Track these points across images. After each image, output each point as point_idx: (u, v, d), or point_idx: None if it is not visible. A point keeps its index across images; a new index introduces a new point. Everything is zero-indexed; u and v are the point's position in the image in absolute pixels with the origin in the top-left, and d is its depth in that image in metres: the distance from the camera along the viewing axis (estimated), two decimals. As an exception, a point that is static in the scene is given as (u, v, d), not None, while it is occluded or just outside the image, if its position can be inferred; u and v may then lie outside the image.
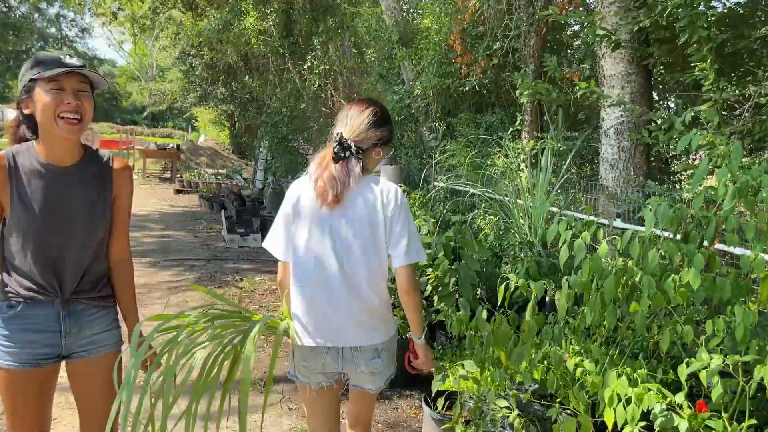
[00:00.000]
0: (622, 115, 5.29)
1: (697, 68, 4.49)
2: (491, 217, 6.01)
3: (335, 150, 2.27)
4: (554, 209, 5.88)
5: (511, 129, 6.90)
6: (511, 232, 5.94)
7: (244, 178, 18.82)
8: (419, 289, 2.53)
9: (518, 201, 5.96)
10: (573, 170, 6.18)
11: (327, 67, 12.52)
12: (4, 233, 2.05)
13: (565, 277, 2.82)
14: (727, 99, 4.54)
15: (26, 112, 2.02)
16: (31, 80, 1.96)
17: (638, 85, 5.24)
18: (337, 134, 2.30)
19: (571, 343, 3.23)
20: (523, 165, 6.80)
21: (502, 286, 3.01)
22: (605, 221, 4.03)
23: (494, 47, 6.63)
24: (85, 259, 2.13)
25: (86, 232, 2.13)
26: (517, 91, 6.81)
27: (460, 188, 8.11)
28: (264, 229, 10.03)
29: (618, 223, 5.25)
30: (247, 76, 18.03)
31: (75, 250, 2.10)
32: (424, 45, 8.03)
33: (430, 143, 9.16)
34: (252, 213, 10.13)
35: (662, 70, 5.27)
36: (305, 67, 13.33)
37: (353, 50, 11.18)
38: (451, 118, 8.44)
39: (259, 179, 15.16)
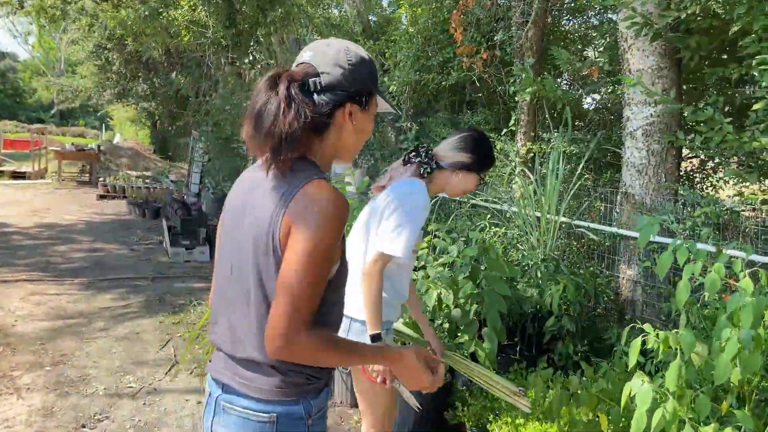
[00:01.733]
0: (652, 114, 4.73)
1: (755, 61, 3.96)
2: (497, 229, 5.34)
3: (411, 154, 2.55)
4: (564, 219, 5.27)
5: (505, 130, 6.26)
6: (520, 247, 5.29)
7: (173, 181, 17.43)
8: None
9: (525, 211, 5.32)
10: (587, 176, 5.60)
11: (273, 62, 11.55)
12: None
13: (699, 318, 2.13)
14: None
15: None
16: None
17: (670, 81, 4.70)
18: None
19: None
20: (519, 170, 6.17)
21: (637, 340, 2.30)
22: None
23: (495, 38, 5.97)
24: None
25: None
26: (512, 88, 6.19)
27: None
28: (212, 241, 8.98)
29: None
30: (175, 73, 16.69)
31: None
32: (399, 37, 7.28)
33: (399, 145, 8.43)
34: (198, 223, 9.05)
35: (702, 65, 4.74)
36: (246, 62, 12.29)
37: (310, 41, 10.24)
38: (425, 118, 7.74)
39: (194, 183, 13.93)
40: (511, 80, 6.31)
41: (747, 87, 4.64)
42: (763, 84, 3.99)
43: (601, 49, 5.43)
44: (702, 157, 5.69)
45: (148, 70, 19.09)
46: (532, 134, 6.22)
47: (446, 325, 3.98)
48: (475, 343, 3.99)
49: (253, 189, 1.48)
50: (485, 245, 4.15)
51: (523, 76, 5.78)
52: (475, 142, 2.51)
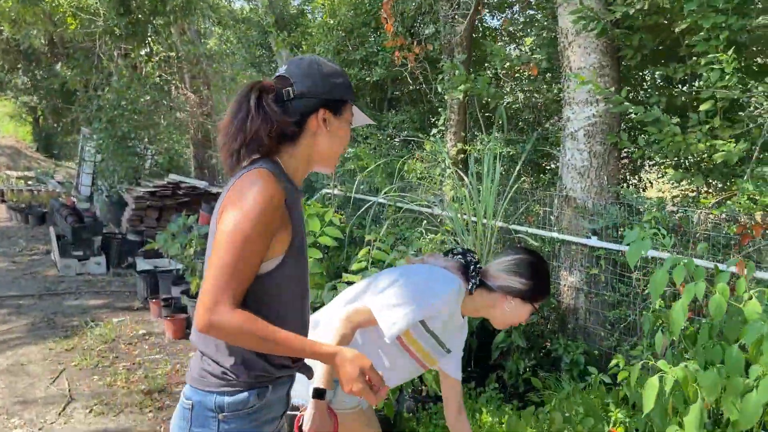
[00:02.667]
0: (594, 114, 4.53)
1: (703, 60, 3.82)
2: (433, 235, 4.99)
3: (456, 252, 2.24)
4: (501, 224, 5.00)
5: (434, 129, 5.93)
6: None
7: (60, 183, 15.98)
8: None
9: (460, 215, 5.00)
10: (524, 178, 5.36)
11: (173, 54, 10.70)
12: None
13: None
14: (728, 98, 3.93)
15: None
16: None
17: (612, 80, 4.51)
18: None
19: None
20: (450, 171, 5.86)
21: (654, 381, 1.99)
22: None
23: (426, 32, 5.61)
24: None
25: None
26: (440, 86, 5.87)
27: (365, 197, 7.00)
28: (108, 250, 8.10)
29: (594, 241, 4.50)
30: (60, 64, 15.29)
31: None
32: (316, 29, 6.78)
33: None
34: (92, 231, 8.13)
35: (644, 64, 4.59)
36: (142, 53, 11.34)
37: (216, 31, 9.56)
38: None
39: (85, 185, 12.73)
40: (440, 77, 5.98)
41: (686, 87, 4.54)
42: (716, 83, 3.86)
43: (531, 45, 5.18)
44: (630, 158, 5.59)
45: (29, 61, 17.47)
46: (463, 134, 5.92)
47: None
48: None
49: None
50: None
51: (456, 72, 5.46)
52: (533, 267, 2.13)
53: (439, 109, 6.23)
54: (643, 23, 4.17)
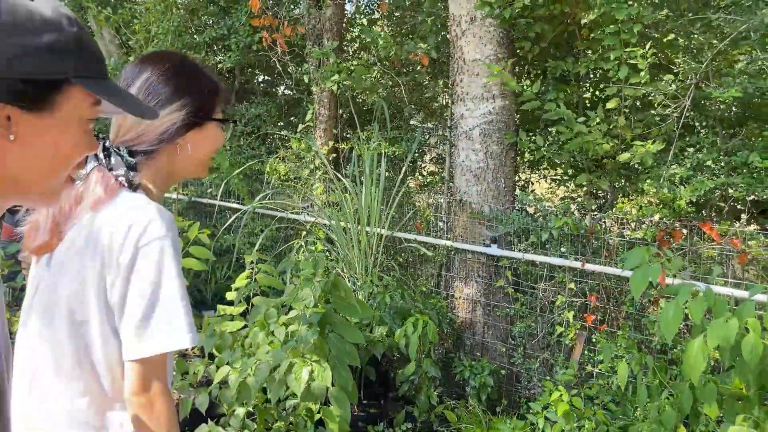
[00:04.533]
0: (491, 111, 4.15)
1: (612, 55, 3.58)
2: (313, 247, 4.31)
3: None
4: (386, 232, 4.48)
5: (301, 126, 5.23)
6: (342, 271, 4.34)
7: None
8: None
9: (341, 223, 4.40)
10: (410, 179, 4.85)
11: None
12: None
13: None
14: (636, 95, 3.75)
15: None
16: None
17: (510, 75, 4.15)
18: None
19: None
20: (320, 173, 5.22)
21: None
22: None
23: (296, 12, 4.85)
24: None
25: None
26: (306, 76, 5.20)
27: (210, 202, 6.09)
28: None
29: (495, 250, 4.12)
30: None
31: None
32: (152, 6, 5.74)
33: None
34: None
35: (543, 57, 4.28)
36: None
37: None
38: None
39: None
40: (305, 66, 5.29)
41: (586, 82, 4.32)
42: (628, 80, 3.64)
43: (418, 33, 4.68)
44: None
45: None
46: (335, 131, 5.29)
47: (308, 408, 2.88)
48: (322, 410, 2.95)
49: None
50: (334, 280, 3.11)
51: (330, 61, 4.82)
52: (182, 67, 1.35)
53: (306, 103, 5.53)
54: (545, 13, 3.85)
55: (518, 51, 4.15)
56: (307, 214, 4.84)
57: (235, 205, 5.74)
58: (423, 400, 3.46)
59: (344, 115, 5.24)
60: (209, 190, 6.29)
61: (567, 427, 2.77)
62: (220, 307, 3.31)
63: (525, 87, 3.58)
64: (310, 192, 5.24)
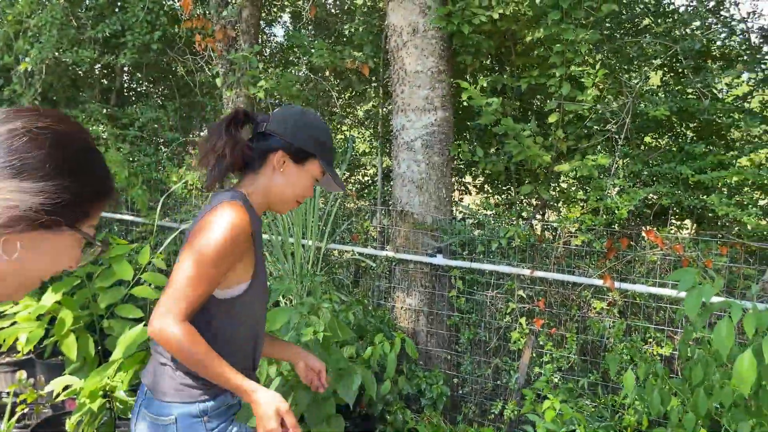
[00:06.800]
0: (433, 123, 4.18)
1: (558, 72, 3.77)
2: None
3: None
4: (319, 244, 4.36)
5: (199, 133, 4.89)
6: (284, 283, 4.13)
7: None
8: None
9: (277, 237, 4.20)
10: (349, 188, 4.72)
11: None
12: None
13: None
14: (576, 110, 3.98)
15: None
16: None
17: (449, 87, 4.21)
18: None
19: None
20: (234, 181, 4.92)
21: None
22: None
23: (223, 14, 4.45)
24: None
25: None
26: (219, 80, 4.90)
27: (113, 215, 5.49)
28: None
29: (440, 259, 4.17)
30: None
31: None
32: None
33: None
34: None
35: (481, 71, 4.37)
36: None
37: None
38: (69, 110, 5.60)
39: None
40: (216, 70, 4.95)
41: (523, 97, 4.50)
42: (575, 97, 3.85)
43: (354, 41, 4.55)
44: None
45: None
46: (251, 139, 5.00)
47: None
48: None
49: None
50: (317, 302, 2.96)
51: (248, 65, 4.56)
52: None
53: (210, 109, 5.17)
54: (488, 28, 3.96)
55: (460, 64, 4.21)
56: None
57: (129, 218, 5.23)
58: (399, 418, 3.41)
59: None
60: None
61: (562, 431, 2.89)
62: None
63: (489, 102, 3.65)
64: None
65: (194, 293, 1.49)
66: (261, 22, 5.21)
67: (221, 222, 1.50)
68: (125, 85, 5.84)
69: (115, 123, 5.66)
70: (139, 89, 5.90)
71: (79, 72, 5.51)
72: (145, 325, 2.68)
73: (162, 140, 5.76)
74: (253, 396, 1.55)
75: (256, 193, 1.66)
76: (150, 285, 3.09)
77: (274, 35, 5.73)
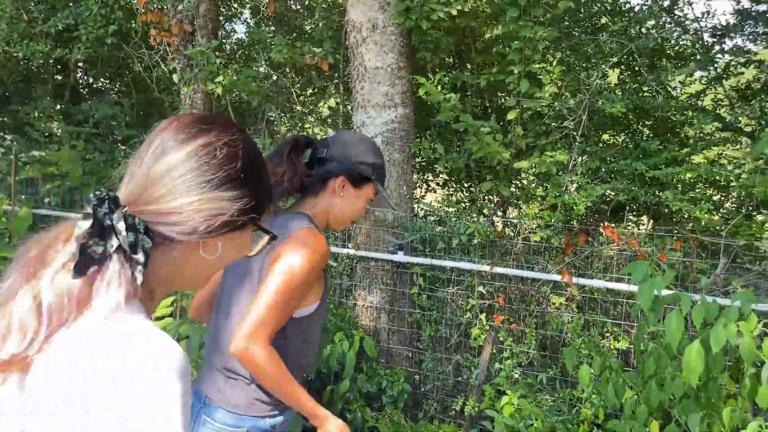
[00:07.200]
0: (393, 119, 4.17)
1: (516, 69, 3.80)
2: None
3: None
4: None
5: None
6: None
7: None
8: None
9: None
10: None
11: None
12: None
13: None
14: (535, 107, 4.02)
15: None
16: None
17: (409, 83, 4.20)
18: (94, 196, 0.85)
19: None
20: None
21: None
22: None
23: (179, 8, 4.36)
24: None
25: None
26: (176, 77, 4.81)
27: (53, 214, 5.34)
28: None
29: (401, 256, 4.16)
30: None
31: None
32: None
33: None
34: None
35: (441, 68, 4.37)
36: None
37: None
38: (19, 107, 5.44)
39: None
40: (172, 66, 4.86)
41: (482, 94, 4.51)
42: (533, 94, 3.87)
43: (314, 37, 4.50)
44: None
45: None
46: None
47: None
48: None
49: None
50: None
51: (205, 61, 4.48)
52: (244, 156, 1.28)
53: (168, 105, 5.08)
54: (447, 25, 3.96)
55: (420, 61, 4.21)
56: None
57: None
58: (359, 417, 3.39)
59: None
60: (47, 200, 5.51)
61: (521, 425, 2.90)
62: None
63: (448, 99, 3.65)
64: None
65: (279, 317, 1.57)
66: (220, 18, 5.13)
67: (306, 249, 1.57)
68: (80, 81, 5.69)
69: (69, 120, 5.51)
70: (94, 85, 5.76)
71: (32, 67, 5.35)
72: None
73: (119, 137, 5.63)
74: (324, 423, 1.66)
75: (318, 215, 1.74)
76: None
77: (234, 31, 5.64)
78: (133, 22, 5.16)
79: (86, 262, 0.80)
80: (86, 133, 5.35)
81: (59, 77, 5.74)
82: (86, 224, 0.80)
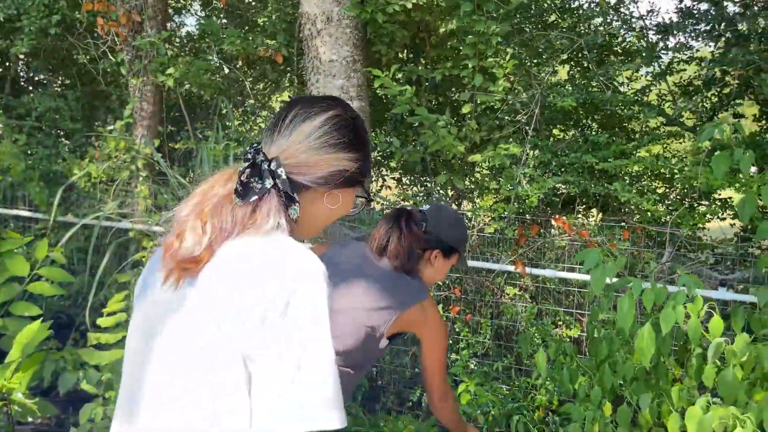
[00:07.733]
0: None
1: (470, 63, 3.85)
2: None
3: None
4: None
5: (118, 122, 4.67)
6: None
7: None
8: None
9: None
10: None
11: None
12: None
13: None
14: (488, 101, 4.08)
15: None
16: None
17: (365, 77, 4.21)
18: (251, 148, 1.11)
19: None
20: (144, 175, 4.74)
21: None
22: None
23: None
24: None
25: None
26: (124, 69, 4.70)
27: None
28: None
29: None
30: None
31: None
32: None
33: None
34: None
35: (395, 62, 4.38)
36: None
37: None
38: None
39: None
40: (120, 57, 4.73)
41: (438, 88, 4.55)
42: (487, 87, 3.93)
43: (266, 29, 4.43)
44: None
45: None
46: (160, 129, 4.82)
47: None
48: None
49: None
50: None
51: (155, 52, 4.39)
52: (355, 125, 1.39)
53: (116, 98, 4.94)
54: (402, 18, 3.98)
55: (375, 54, 4.21)
56: (125, 220, 4.36)
57: (26, 214, 4.93)
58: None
59: (173, 112, 4.80)
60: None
61: (478, 413, 2.95)
62: (91, 335, 2.87)
63: (404, 91, 3.66)
64: (127, 196, 4.73)
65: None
66: (170, 9, 5.02)
67: (438, 315, 1.91)
68: (21, 73, 5.48)
69: (10, 113, 5.31)
70: (36, 77, 5.55)
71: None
72: (43, 321, 2.53)
73: (63, 132, 5.45)
74: None
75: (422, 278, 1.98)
76: (48, 281, 2.92)
77: (184, 24, 5.53)
78: (77, 12, 5.00)
79: (248, 192, 1.01)
80: (28, 127, 5.16)
81: (-1, 69, 5.53)
82: (246, 166, 1.04)
